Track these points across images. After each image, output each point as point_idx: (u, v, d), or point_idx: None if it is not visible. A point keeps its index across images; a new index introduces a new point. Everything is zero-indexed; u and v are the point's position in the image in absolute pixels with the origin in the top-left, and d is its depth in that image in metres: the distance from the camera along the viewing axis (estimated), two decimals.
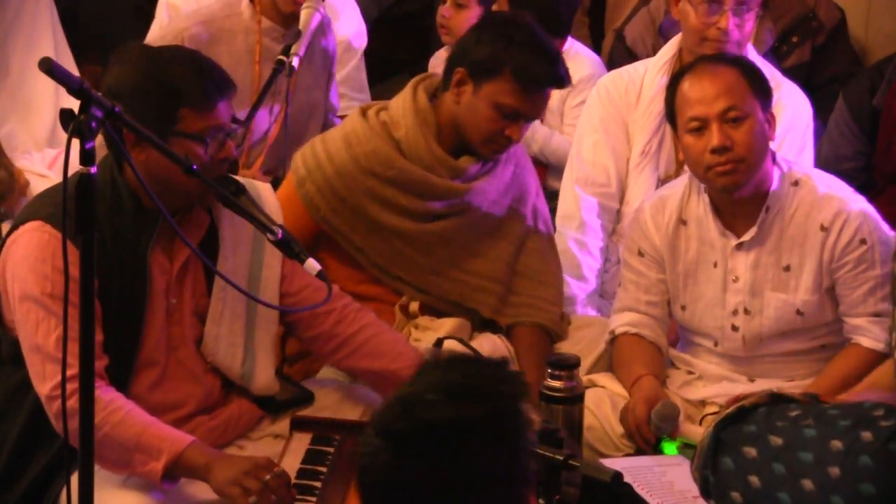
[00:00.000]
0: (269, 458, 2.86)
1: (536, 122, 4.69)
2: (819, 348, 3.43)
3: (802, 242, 3.34)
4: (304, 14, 4.05)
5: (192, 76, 2.86)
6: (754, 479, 2.87)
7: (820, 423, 2.87)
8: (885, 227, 3.41)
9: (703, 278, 3.42)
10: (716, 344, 3.47)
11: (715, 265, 3.40)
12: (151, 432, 2.82)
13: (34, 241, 2.85)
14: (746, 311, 3.39)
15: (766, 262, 3.36)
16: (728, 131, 3.23)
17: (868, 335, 3.34)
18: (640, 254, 3.49)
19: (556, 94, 4.75)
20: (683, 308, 3.47)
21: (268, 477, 2.76)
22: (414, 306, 3.58)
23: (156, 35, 4.46)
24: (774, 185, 3.32)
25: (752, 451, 2.89)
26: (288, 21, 4.17)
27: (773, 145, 3.53)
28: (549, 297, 3.68)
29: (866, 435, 2.79)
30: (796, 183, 3.35)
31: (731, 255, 3.38)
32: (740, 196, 3.31)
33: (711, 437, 2.96)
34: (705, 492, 2.95)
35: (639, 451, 3.31)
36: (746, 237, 3.35)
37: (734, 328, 3.41)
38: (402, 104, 3.53)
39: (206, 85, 2.86)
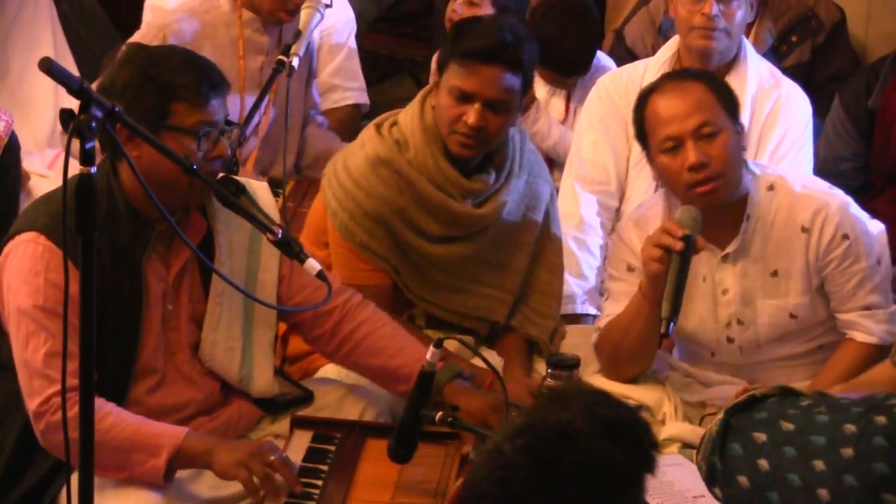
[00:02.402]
0: (271, 442, 2.89)
1: (552, 120, 4.67)
2: (816, 349, 3.41)
3: (787, 246, 3.30)
4: (304, 14, 4.04)
5: (185, 71, 2.86)
6: (763, 463, 2.86)
7: (832, 410, 2.86)
8: (866, 218, 3.37)
9: (693, 293, 3.36)
10: (713, 355, 3.44)
11: (703, 279, 3.36)
12: (145, 431, 2.83)
13: (28, 252, 2.85)
14: (740, 322, 3.36)
15: (754, 270, 3.32)
16: (703, 147, 3.19)
17: (861, 329, 3.32)
18: (630, 269, 3.41)
19: (575, 97, 4.72)
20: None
21: (272, 458, 2.79)
22: (420, 321, 3.57)
23: (138, 35, 4.43)
24: (751, 192, 3.29)
25: (762, 436, 2.89)
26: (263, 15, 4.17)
27: (771, 144, 3.54)
28: (547, 310, 3.65)
29: (880, 419, 2.78)
30: (772, 187, 3.31)
31: (718, 267, 3.33)
32: (720, 207, 3.26)
33: (721, 424, 2.95)
34: (711, 479, 2.95)
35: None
36: (731, 248, 3.31)
37: (729, 340, 3.39)
38: (409, 121, 3.47)
39: (200, 80, 2.86)
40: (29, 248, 2.85)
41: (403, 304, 3.55)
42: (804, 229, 3.28)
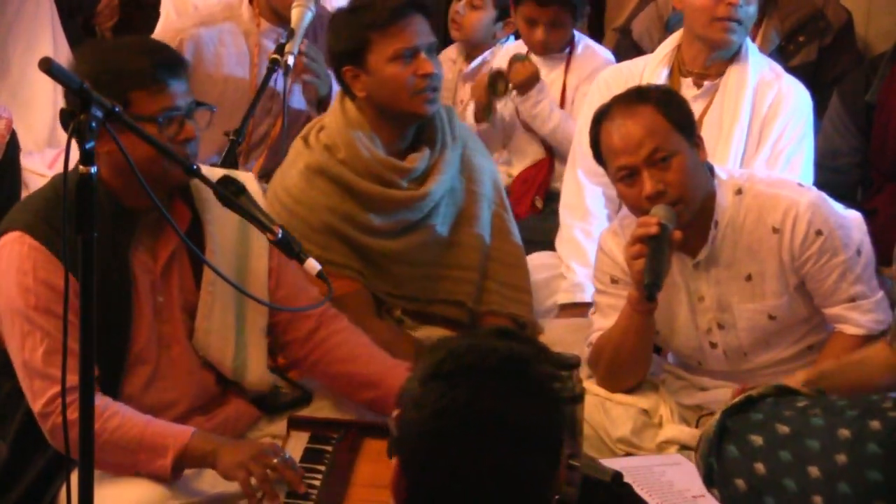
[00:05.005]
0: (275, 444, 2.90)
1: (553, 103, 4.67)
2: (805, 351, 3.37)
3: (757, 249, 3.26)
4: (294, 13, 4.03)
5: (137, 58, 2.84)
6: (759, 466, 2.86)
7: (827, 413, 2.86)
8: (840, 209, 3.32)
9: (672, 301, 3.34)
10: (700, 363, 3.43)
11: (679, 288, 3.33)
12: (152, 431, 2.84)
13: (15, 253, 2.85)
14: (721, 326, 3.34)
15: (727, 276, 3.29)
16: (658, 175, 3.15)
17: (849, 322, 3.29)
18: (614, 281, 3.40)
19: (570, 85, 4.74)
20: (658, 333, 3.40)
21: (274, 461, 2.79)
22: (397, 311, 3.58)
23: (157, 35, 4.47)
24: (718, 198, 3.25)
25: (758, 439, 2.89)
26: (287, 23, 4.17)
27: (772, 136, 3.50)
28: (519, 282, 3.70)
29: (874, 424, 2.78)
30: (739, 191, 3.27)
31: (692, 276, 3.31)
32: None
33: (718, 425, 2.95)
34: (709, 480, 2.95)
35: (633, 452, 3.28)
36: (701, 256, 3.28)
37: (712, 345, 3.37)
38: (334, 121, 3.52)
39: (154, 64, 2.84)
40: (14, 248, 2.85)
41: (375, 302, 3.56)
42: (775, 230, 3.24)
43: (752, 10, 3.88)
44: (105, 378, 2.88)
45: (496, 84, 4.67)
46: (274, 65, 3.89)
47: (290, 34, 3.97)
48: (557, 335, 3.75)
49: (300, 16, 4.01)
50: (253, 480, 2.78)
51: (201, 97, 4.28)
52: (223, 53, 4.19)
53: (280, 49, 3.92)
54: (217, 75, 4.28)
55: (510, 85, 4.66)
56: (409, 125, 3.52)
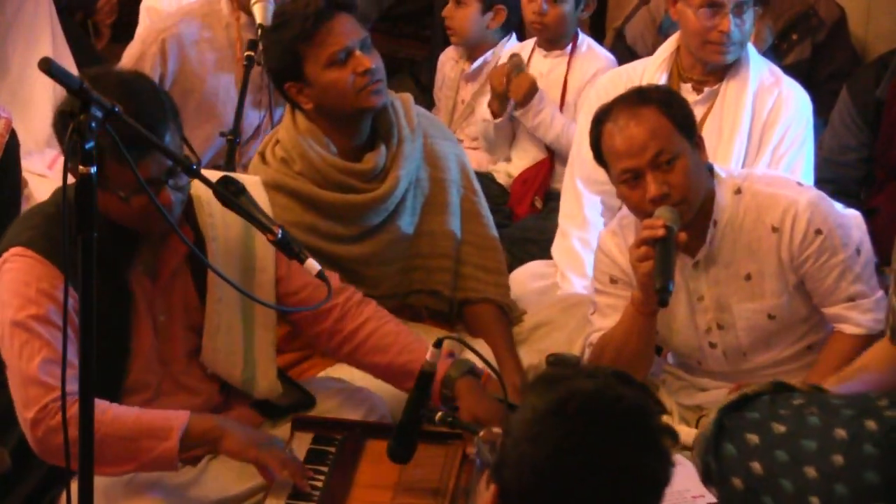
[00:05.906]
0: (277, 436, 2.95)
1: (556, 111, 4.67)
2: (805, 351, 3.37)
3: (756, 249, 3.25)
4: (257, 10, 4.01)
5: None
6: (756, 466, 2.86)
7: (823, 412, 2.86)
8: (838, 209, 3.31)
9: (671, 302, 3.27)
10: (700, 363, 3.42)
11: (678, 288, 3.31)
12: (149, 416, 2.84)
13: (17, 266, 2.84)
14: (720, 326, 3.33)
15: (726, 275, 3.28)
16: (662, 177, 3.13)
17: (848, 322, 3.28)
18: (613, 281, 3.39)
19: (571, 86, 4.74)
20: (657, 332, 3.38)
21: (285, 451, 2.85)
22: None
23: (138, 38, 4.46)
24: (717, 197, 3.24)
25: (754, 438, 2.88)
26: None
27: (772, 142, 3.49)
28: (494, 265, 3.69)
29: (870, 424, 2.78)
30: (738, 191, 3.26)
31: (691, 275, 3.30)
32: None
33: (714, 423, 2.95)
34: (707, 478, 2.94)
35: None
36: (700, 255, 3.27)
37: (712, 345, 3.36)
38: (286, 134, 3.52)
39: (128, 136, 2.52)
40: (17, 262, 2.84)
41: None
42: (774, 229, 3.23)
43: (748, 27, 3.85)
44: (105, 395, 2.85)
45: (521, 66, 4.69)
46: (249, 62, 3.89)
47: (261, 29, 3.95)
48: (548, 315, 3.75)
49: (263, 10, 3.99)
50: (285, 473, 2.82)
51: (189, 95, 4.31)
52: (206, 49, 4.20)
53: (253, 45, 3.92)
54: (203, 72, 4.29)
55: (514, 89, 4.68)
56: (362, 122, 3.49)
